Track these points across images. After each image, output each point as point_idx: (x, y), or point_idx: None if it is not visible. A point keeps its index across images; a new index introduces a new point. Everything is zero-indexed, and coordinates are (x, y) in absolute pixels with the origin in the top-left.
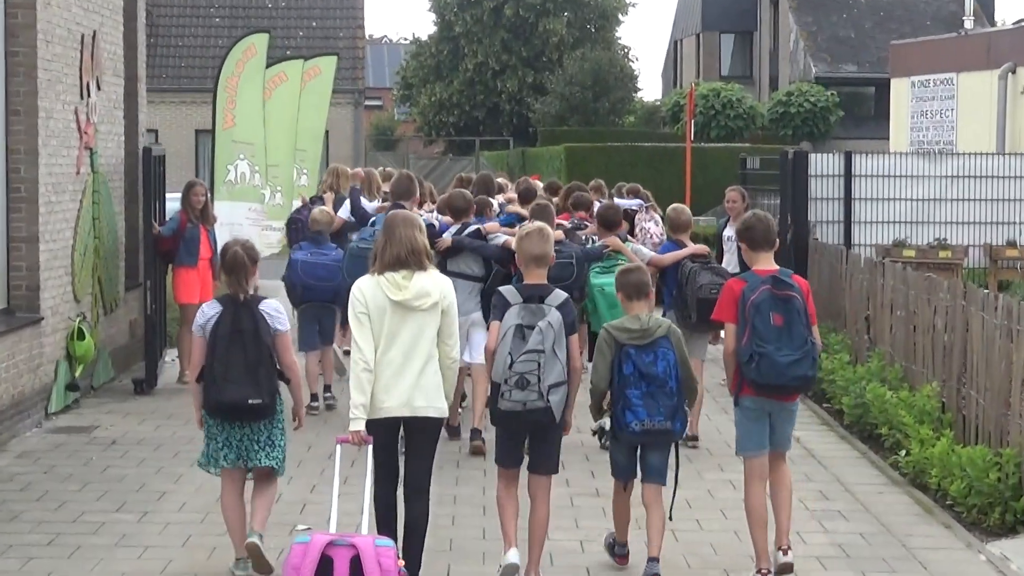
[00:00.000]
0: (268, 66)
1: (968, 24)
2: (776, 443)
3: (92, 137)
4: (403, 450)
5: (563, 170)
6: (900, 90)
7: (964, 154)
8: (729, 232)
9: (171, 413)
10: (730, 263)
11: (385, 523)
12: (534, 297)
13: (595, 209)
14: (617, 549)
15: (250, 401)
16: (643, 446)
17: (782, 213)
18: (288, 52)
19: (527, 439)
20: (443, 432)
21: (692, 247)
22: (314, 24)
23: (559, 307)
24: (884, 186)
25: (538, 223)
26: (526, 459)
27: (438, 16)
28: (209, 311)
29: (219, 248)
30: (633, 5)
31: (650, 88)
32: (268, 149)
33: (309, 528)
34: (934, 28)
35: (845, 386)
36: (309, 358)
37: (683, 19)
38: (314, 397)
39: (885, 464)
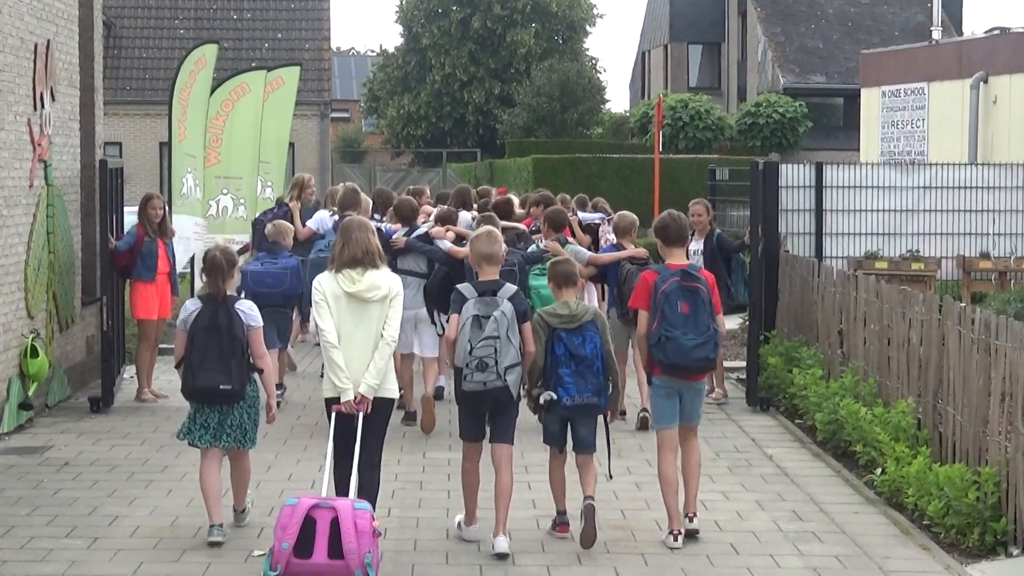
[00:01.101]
0: (231, 77)
1: (936, 35)
2: (686, 418)
3: (46, 149)
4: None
5: (531, 181)
6: (870, 100)
7: (936, 165)
8: (695, 246)
9: (127, 432)
10: None
11: (343, 494)
12: (488, 291)
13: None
14: (557, 519)
15: (221, 387)
16: (572, 420)
17: (752, 225)
18: (253, 64)
19: (487, 416)
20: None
21: (631, 250)
22: (279, 35)
23: (511, 298)
24: (856, 197)
25: (487, 227)
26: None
27: (405, 28)
28: (191, 307)
29: (176, 262)
30: (601, 16)
31: (618, 99)
32: (228, 162)
33: (264, 554)
34: (903, 39)
35: (818, 402)
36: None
37: (651, 30)
38: (279, 385)
39: (860, 483)
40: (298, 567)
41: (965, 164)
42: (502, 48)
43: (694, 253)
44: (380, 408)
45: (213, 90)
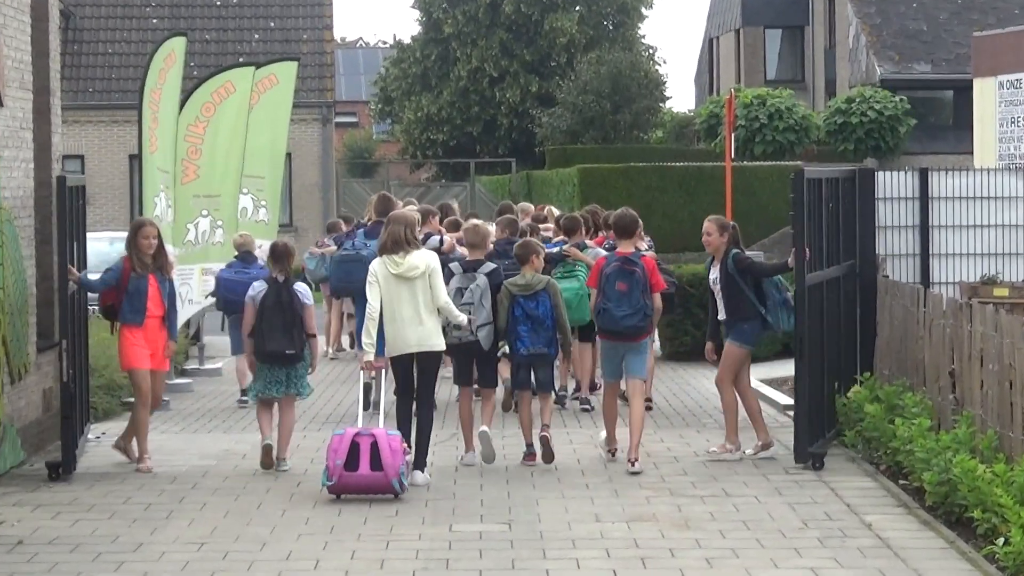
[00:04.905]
0: (213, 75)
1: None
2: (630, 371)
3: None
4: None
5: (577, 197)
6: (985, 92)
7: None
8: (715, 275)
9: (92, 504)
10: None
11: (403, 426)
12: (470, 268)
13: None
14: (526, 449)
15: (287, 351)
16: (533, 366)
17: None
18: (240, 59)
19: (474, 364)
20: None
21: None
22: (272, 24)
23: (487, 274)
24: (969, 210)
25: (474, 221)
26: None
27: (424, 14)
28: (259, 287)
29: (176, 302)
30: None
31: (681, 96)
32: (210, 178)
33: None
34: (1023, 18)
35: (926, 459)
36: (239, 360)
37: (719, 12)
38: (243, 392)
39: (979, 556)
40: (348, 478)
41: None
42: (540, 37)
43: (713, 282)
44: (432, 359)
45: (193, 91)
